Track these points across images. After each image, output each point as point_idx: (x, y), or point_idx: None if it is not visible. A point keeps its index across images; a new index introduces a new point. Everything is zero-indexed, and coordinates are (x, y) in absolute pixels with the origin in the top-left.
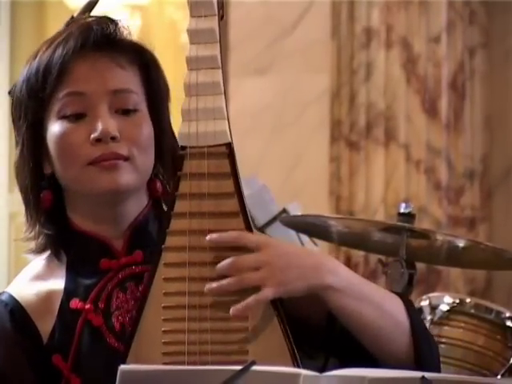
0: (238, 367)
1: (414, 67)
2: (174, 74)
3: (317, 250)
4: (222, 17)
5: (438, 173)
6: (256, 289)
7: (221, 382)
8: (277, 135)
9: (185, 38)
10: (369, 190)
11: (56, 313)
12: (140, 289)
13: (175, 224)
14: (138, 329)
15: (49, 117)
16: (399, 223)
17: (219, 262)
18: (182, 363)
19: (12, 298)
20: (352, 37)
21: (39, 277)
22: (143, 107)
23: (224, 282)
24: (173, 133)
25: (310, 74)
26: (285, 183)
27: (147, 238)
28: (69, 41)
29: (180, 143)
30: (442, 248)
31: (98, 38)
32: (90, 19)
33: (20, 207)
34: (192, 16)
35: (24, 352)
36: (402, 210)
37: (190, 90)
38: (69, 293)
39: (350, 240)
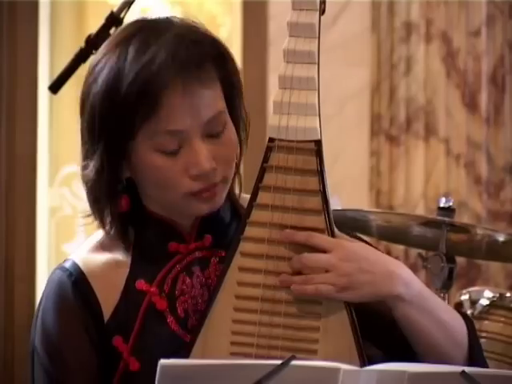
0: (278, 361)
1: (454, 61)
2: None
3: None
4: (323, 11)
5: (478, 167)
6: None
7: (261, 376)
8: None
9: (224, 32)
10: (409, 184)
11: (120, 290)
12: (205, 274)
13: (256, 215)
14: (209, 314)
15: (139, 144)
16: (439, 217)
17: None
18: (250, 355)
19: (76, 266)
20: (392, 31)
21: (105, 247)
22: (227, 117)
23: (295, 278)
24: (247, 114)
25: (350, 68)
26: None
27: (218, 223)
28: (159, 66)
29: (269, 135)
30: (482, 242)
31: (186, 61)
32: (173, 34)
33: (60, 202)
34: (294, 9)
35: (84, 326)
36: (441, 205)
37: (285, 82)
38: (135, 272)
39: (389, 234)
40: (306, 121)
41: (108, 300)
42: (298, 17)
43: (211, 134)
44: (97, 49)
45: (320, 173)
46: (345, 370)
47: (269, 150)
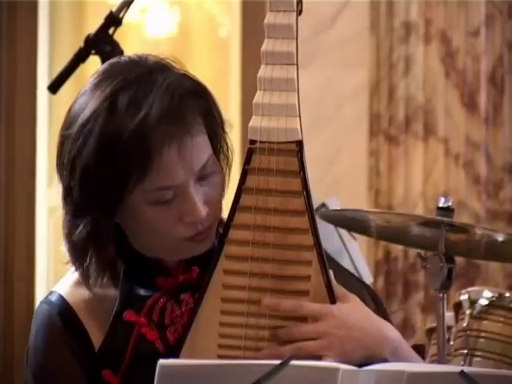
0: (277, 361)
1: (453, 61)
2: (212, 68)
3: (355, 244)
4: (300, 12)
5: (477, 167)
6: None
7: (260, 377)
8: (316, 129)
9: (223, 31)
10: (408, 184)
11: (109, 321)
12: (196, 298)
13: (240, 217)
14: (196, 317)
15: (132, 198)
16: (438, 217)
17: (282, 259)
18: (238, 358)
19: (63, 299)
20: (391, 31)
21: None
22: (213, 157)
23: (284, 349)
24: (229, 147)
25: (349, 68)
26: (324, 177)
27: (205, 253)
28: (148, 121)
29: (250, 137)
30: (481, 242)
31: (178, 118)
32: (162, 90)
33: (59, 202)
34: (270, 10)
35: (77, 359)
36: (441, 204)
37: (264, 84)
38: (123, 303)
39: (388, 234)
40: (286, 122)
41: (97, 331)
42: (275, 18)
43: (202, 177)
44: (96, 48)
45: (302, 173)
46: (344, 370)
47: (250, 151)
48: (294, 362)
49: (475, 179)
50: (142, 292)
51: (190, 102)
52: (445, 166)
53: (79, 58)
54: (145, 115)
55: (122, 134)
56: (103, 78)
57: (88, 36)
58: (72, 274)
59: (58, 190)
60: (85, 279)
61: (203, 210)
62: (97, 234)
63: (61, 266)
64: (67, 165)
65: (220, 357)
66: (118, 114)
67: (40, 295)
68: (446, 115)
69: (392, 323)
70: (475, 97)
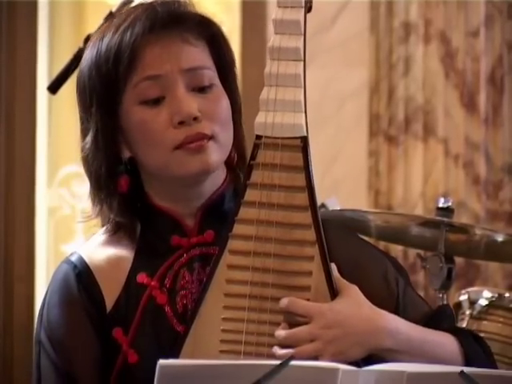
0: (277, 362)
1: (453, 61)
2: None
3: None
4: (310, 8)
5: (477, 167)
6: None
7: (260, 377)
8: (315, 129)
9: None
10: (407, 184)
11: (123, 283)
12: (206, 271)
13: (244, 212)
14: (199, 312)
15: (125, 103)
16: (438, 218)
17: (284, 254)
18: (239, 352)
19: (82, 259)
20: (390, 31)
21: (111, 242)
22: (217, 81)
23: (282, 352)
24: (241, 104)
25: (349, 68)
26: (323, 178)
27: (221, 216)
28: (135, 25)
29: (256, 132)
30: (481, 242)
31: (164, 18)
32: (154, 0)
33: (59, 202)
34: (278, 6)
35: (89, 318)
36: (440, 205)
37: (270, 79)
38: (137, 265)
39: (388, 234)
40: (291, 118)
41: (111, 292)
42: (282, 14)
43: (197, 86)
44: None
45: (306, 169)
46: (344, 371)
47: (256, 147)
48: (293, 363)
49: (475, 179)
50: (157, 255)
51: (182, 8)
52: (444, 167)
53: (79, 58)
54: (129, 13)
55: (109, 34)
56: None
57: (88, 36)
58: (95, 238)
59: (57, 191)
60: (108, 209)
61: (189, 108)
62: (102, 141)
63: None
64: (76, 88)
65: (222, 352)
66: (110, 26)
67: (40, 295)
68: (445, 115)
69: (413, 289)
70: (475, 97)
